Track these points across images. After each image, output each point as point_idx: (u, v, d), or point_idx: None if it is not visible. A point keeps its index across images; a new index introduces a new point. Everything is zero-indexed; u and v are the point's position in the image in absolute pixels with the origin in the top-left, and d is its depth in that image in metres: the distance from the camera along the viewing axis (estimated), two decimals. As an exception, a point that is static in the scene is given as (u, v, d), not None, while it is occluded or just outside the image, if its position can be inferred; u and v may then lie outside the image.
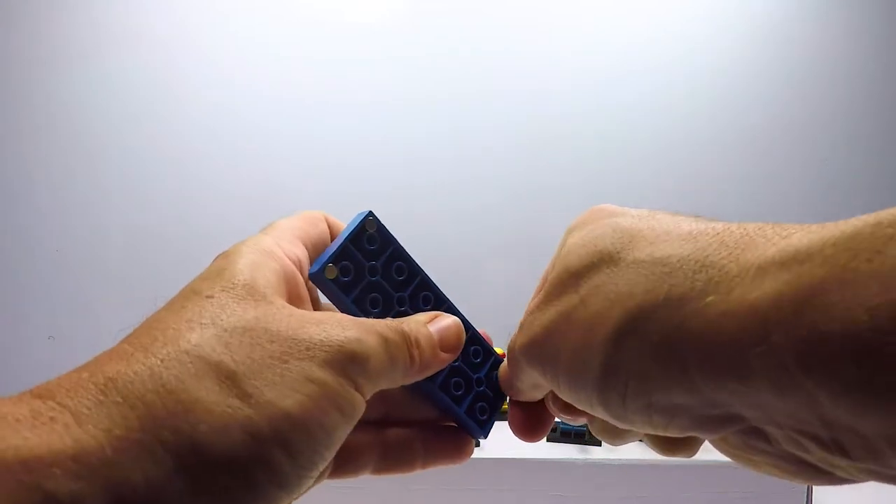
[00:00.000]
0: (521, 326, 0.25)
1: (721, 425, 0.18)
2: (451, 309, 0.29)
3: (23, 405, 0.17)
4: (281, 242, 0.25)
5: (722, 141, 1.13)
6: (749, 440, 0.18)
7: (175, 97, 1.11)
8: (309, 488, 0.21)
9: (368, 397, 0.22)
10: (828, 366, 0.14)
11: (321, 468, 0.21)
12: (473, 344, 0.30)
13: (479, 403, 0.29)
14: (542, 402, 0.29)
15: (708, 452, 0.82)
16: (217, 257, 0.25)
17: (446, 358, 0.26)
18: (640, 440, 0.26)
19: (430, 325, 0.26)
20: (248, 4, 1.11)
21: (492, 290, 1.14)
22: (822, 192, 1.13)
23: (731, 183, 1.13)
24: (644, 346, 0.18)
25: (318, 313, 0.23)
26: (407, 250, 0.28)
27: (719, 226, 0.19)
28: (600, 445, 0.83)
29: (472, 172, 1.13)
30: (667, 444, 0.24)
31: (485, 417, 0.29)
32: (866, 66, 1.12)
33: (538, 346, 0.23)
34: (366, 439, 0.26)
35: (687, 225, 0.20)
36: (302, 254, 0.26)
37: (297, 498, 0.21)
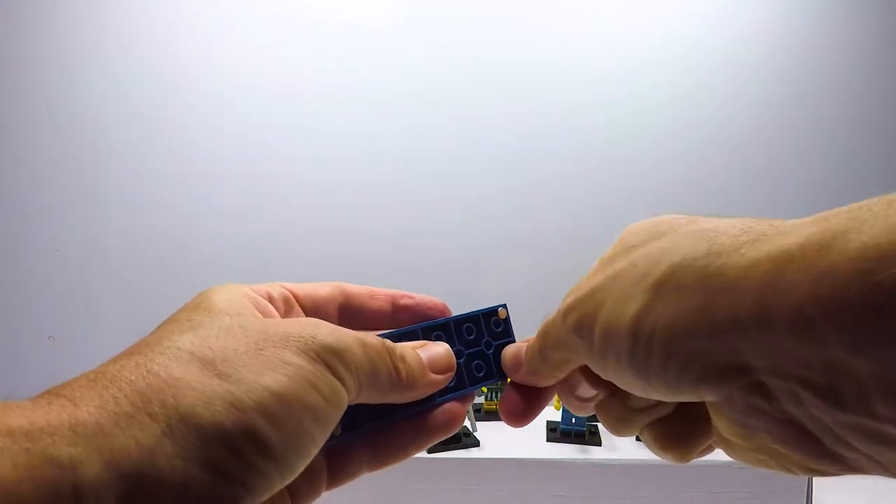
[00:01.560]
0: (568, 294, 0.26)
1: (730, 377, 0.19)
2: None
3: (20, 401, 0.18)
4: (251, 285, 0.26)
5: (722, 141, 1.13)
6: (752, 399, 0.19)
7: (175, 97, 1.11)
8: (313, 496, 0.22)
9: (354, 393, 0.23)
10: (837, 301, 0.16)
11: (311, 449, 0.21)
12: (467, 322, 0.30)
13: (475, 361, 0.30)
14: (539, 388, 0.30)
15: (709, 453, 0.81)
16: (192, 298, 0.26)
17: (437, 380, 0.27)
18: (638, 438, 0.26)
19: (419, 349, 0.27)
20: (249, 5, 1.11)
21: (492, 284, 1.14)
22: (823, 192, 1.13)
23: (732, 183, 1.13)
24: (678, 293, 0.20)
25: (293, 318, 0.24)
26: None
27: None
28: (600, 446, 0.83)
29: (472, 171, 1.13)
30: (663, 440, 0.25)
31: (481, 374, 0.30)
32: (868, 66, 1.12)
33: (582, 304, 0.24)
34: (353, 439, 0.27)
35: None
36: (273, 290, 0.27)
37: (289, 479, 0.21)
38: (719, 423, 0.22)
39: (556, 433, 0.86)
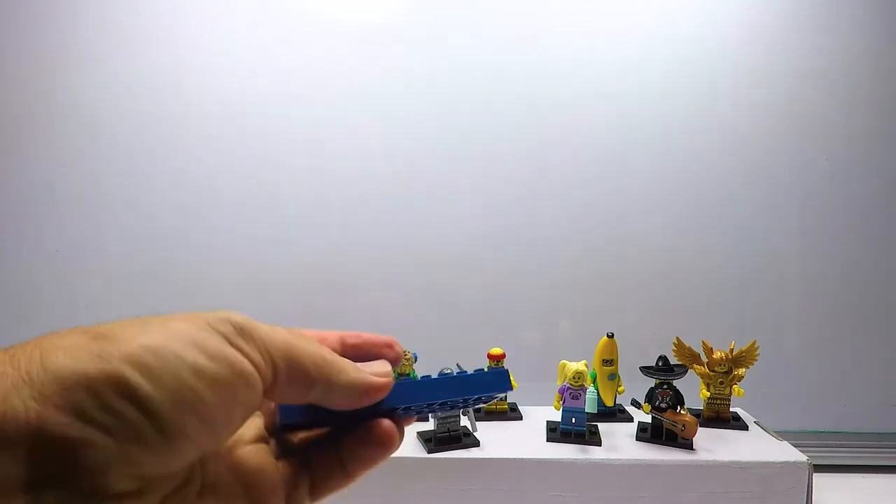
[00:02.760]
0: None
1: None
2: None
3: None
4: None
5: (723, 140, 1.13)
6: None
7: (175, 99, 1.11)
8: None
9: (265, 369, 0.22)
10: None
11: (201, 411, 0.20)
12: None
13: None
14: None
15: (708, 452, 0.82)
16: None
17: (373, 380, 0.26)
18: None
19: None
20: (252, 7, 1.11)
21: (490, 287, 1.14)
22: (824, 192, 1.13)
23: (733, 182, 1.13)
24: None
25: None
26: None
27: None
28: (600, 446, 0.83)
29: (472, 171, 1.13)
30: None
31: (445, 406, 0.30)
32: (870, 65, 1.12)
33: None
34: (325, 460, 0.27)
35: None
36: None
37: (185, 443, 0.20)
38: None
39: (555, 433, 0.86)
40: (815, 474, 0.80)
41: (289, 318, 1.12)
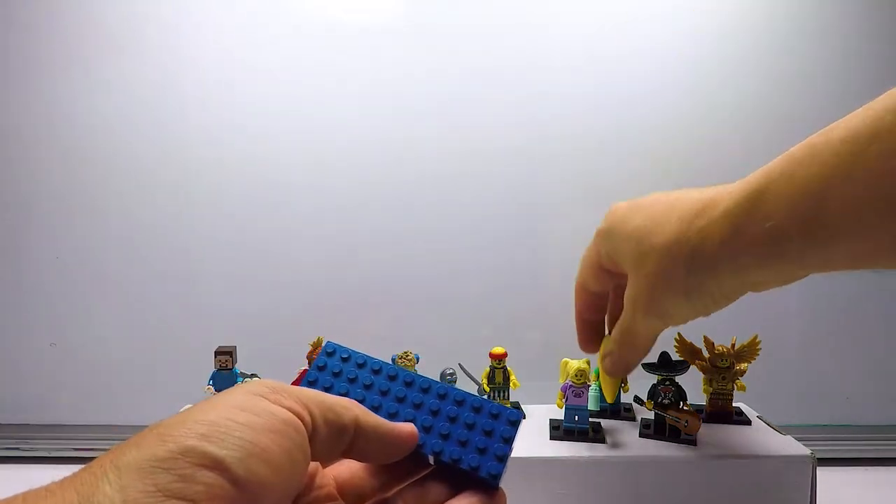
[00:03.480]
0: (634, 304, 0.46)
1: (750, 287, 0.40)
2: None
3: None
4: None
5: (723, 141, 1.13)
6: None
7: (174, 102, 1.11)
8: None
9: (306, 415, 0.25)
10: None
11: (267, 458, 0.23)
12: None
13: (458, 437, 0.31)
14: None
15: (711, 448, 0.82)
16: None
17: (408, 427, 0.30)
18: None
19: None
20: (250, 11, 1.11)
21: (491, 286, 1.14)
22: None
23: (734, 177, 1.13)
24: (678, 266, 0.40)
25: None
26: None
27: None
28: (604, 443, 0.83)
29: (472, 170, 1.13)
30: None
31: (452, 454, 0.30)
32: (871, 64, 1.12)
33: (652, 308, 0.44)
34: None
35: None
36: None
37: (259, 495, 0.22)
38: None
39: (559, 431, 0.86)
40: (819, 468, 0.80)
41: (289, 322, 1.12)
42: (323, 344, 0.34)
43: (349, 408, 0.27)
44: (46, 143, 1.11)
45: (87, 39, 1.10)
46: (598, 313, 0.53)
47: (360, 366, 0.32)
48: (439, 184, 1.13)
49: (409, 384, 0.32)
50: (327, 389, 0.31)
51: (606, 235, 0.44)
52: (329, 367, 0.32)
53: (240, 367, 0.90)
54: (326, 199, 1.13)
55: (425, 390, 0.32)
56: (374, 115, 1.12)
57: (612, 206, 0.47)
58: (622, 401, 0.96)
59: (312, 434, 0.26)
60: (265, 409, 0.24)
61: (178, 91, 1.11)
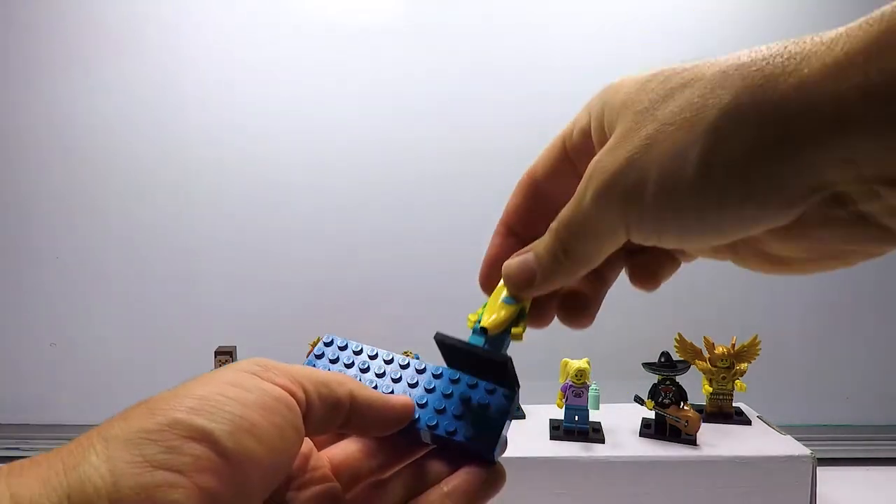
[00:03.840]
0: (590, 176, 0.24)
1: (809, 196, 0.20)
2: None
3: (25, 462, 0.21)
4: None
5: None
6: (827, 210, 0.20)
7: (174, 102, 1.11)
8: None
9: (299, 391, 0.25)
10: None
11: (258, 434, 0.22)
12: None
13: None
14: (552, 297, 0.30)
15: (711, 448, 0.82)
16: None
17: (404, 398, 0.30)
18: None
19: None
20: (249, 12, 1.11)
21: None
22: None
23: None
24: (743, 129, 0.20)
25: None
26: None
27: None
28: (603, 443, 0.83)
29: (472, 170, 1.13)
30: (643, 275, 0.29)
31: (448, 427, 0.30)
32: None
33: (623, 177, 0.23)
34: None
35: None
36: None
37: (248, 472, 0.22)
38: (783, 246, 0.23)
39: (558, 431, 0.86)
40: (818, 468, 0.80)
41: (289, 322, 1.12)
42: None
43: (343, 382, 0.27)
44: (46, 143, 1.11)
45: (87, 39, 1.10)
46: (528, 227, 0.31)
47: (357, 353, 0.32)
48: (439, 184, 1.13)
49: (404, 366, 0.32)
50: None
51: (610, 93, 0.27)
52: (326, 355, 0.32)
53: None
54: (326, 199, 1.13)
55: (420, 371, 0.32)
56: (374, 115, 1.12)
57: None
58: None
59: (307, 410, 0.25)
60: (257, 385, 0.24)
61: (178, 91, 1.11)
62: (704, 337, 0.92)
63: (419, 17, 1.12)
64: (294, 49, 1.11)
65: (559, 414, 0.87)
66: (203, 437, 0.21)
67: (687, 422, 0.83)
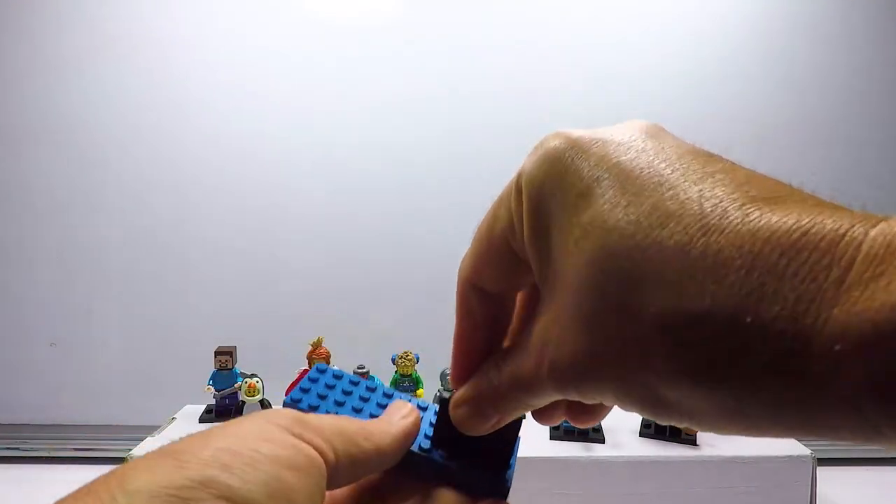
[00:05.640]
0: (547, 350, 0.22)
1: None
2: None
3: None
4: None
5: (724, 141, 1.13)
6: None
7: (174, 102, 1.11)
8: None
9: (326, 448, 0.24)
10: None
11: (290, 497, 0.21)
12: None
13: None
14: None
15: (711, 448, 0.81)
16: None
17: (404, 423, 0.29)
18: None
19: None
20: (247, 11, 1.11)
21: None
22: (822, 184, 1.13)
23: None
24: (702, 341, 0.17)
25: None
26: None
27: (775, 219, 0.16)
28: (604, 443, 0.83)
29: (472, 169, 1.13)
30: (580, 415, 0.27)
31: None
32: (875, 67, 1.12)
33: (584, 374, 0.20)
34: None
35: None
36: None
37: None
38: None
39: (559, 431, 0.86)
40: (819, 468, 0.80)
41: (289, 322, 1.12)
42: (321, 343, 0.33)
43: (369, 436, 0.26)
44: (46, 143, 1.11)
45: (87, 40, 1.10)
46: (488, 332, 0.28)
47: (354, 384, 0.31)
48: (440, 184, 1.13)
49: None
50: (314, 409, 0.29)
51: (544, 178, 0.22)
52: (314, 389, 0.30)
53: (240, 367, 0.90)
54: (326, 199, 1.13)
55: (423, 409, 0.31)
56: (375, 115, 1.12)
57: (555, 137, 0.22)
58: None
59: (332, 472, 0.24)
60: (288, 441, 0.23)
61: (179, 91, 1.11)
62: (704, 337, 0.92)
63: (419, 17, 1.12)
64: (294, 50, 1.11)
65: (559, 414, 0.87)
66: (236, 496, 0.19)
67: (687, 422, 0.83)
